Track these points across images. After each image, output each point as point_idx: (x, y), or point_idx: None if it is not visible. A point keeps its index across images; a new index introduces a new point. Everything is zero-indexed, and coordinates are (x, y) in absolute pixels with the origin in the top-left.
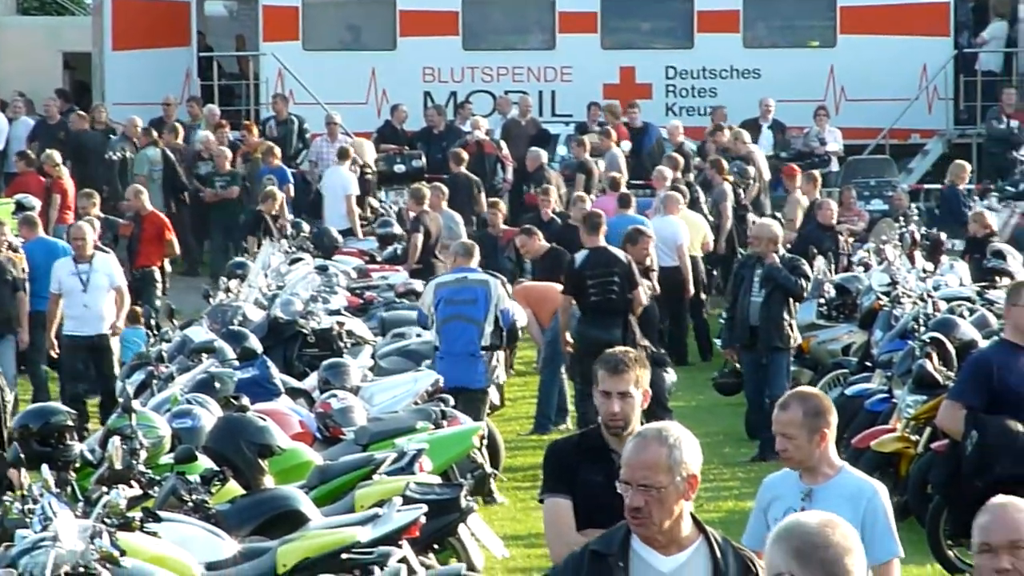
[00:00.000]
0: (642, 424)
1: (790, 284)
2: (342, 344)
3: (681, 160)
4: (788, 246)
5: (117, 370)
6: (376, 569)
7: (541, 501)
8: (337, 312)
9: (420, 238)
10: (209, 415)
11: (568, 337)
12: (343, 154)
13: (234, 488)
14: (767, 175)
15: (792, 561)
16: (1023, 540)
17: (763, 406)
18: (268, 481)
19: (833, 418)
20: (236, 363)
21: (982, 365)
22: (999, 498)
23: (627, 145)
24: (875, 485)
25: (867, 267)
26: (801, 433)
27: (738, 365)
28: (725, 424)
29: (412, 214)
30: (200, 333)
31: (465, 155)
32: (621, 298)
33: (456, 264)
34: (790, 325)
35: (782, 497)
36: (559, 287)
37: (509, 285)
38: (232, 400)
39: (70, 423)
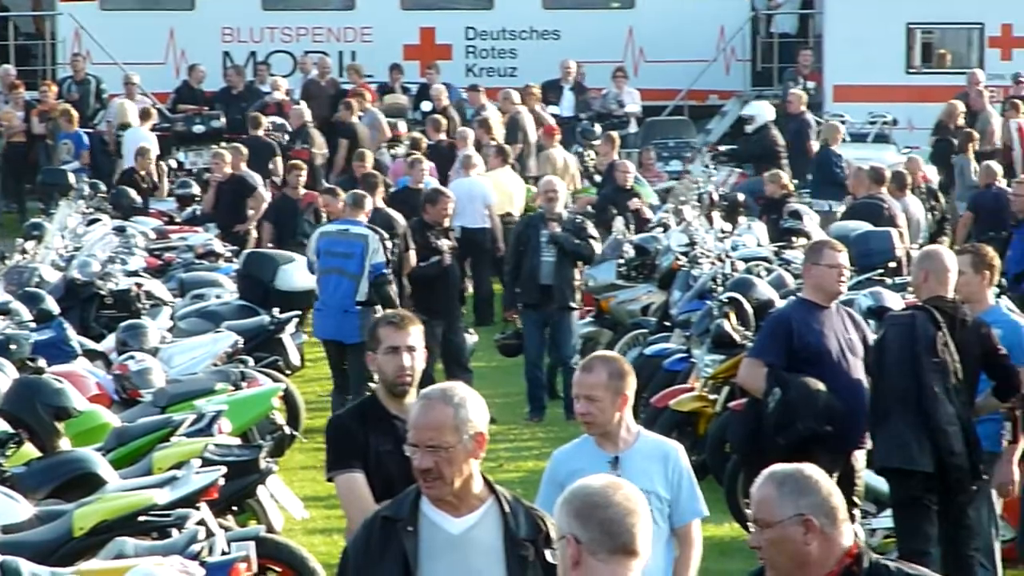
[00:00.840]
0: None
1: (579, 250)
2: (140, 306)
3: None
4: (589, 208)
5: None
6: (174, 531)
7: (330, 480)
8: (135, 273)
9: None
10: (4, 377)
11: None
12: (144, 115)
13: (30, 451)
14: (532, 136)
15: (574, 521)
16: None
17: (540, 367)
18: (65, 444)
19: (633, 381)
20: (32, 325)
21: (782, 323)
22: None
23: (427, 105)
24: (675, 446)
25: (666, 228)
26: (606, 396)
27: (520, 326)
28: (525, 385)
29: (213, 175)
30: None
31: (263, 119)
32: (397, 260)
33: (344, 214)
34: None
35: (584, 469)
36: None
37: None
38: (28, 362)
39: None
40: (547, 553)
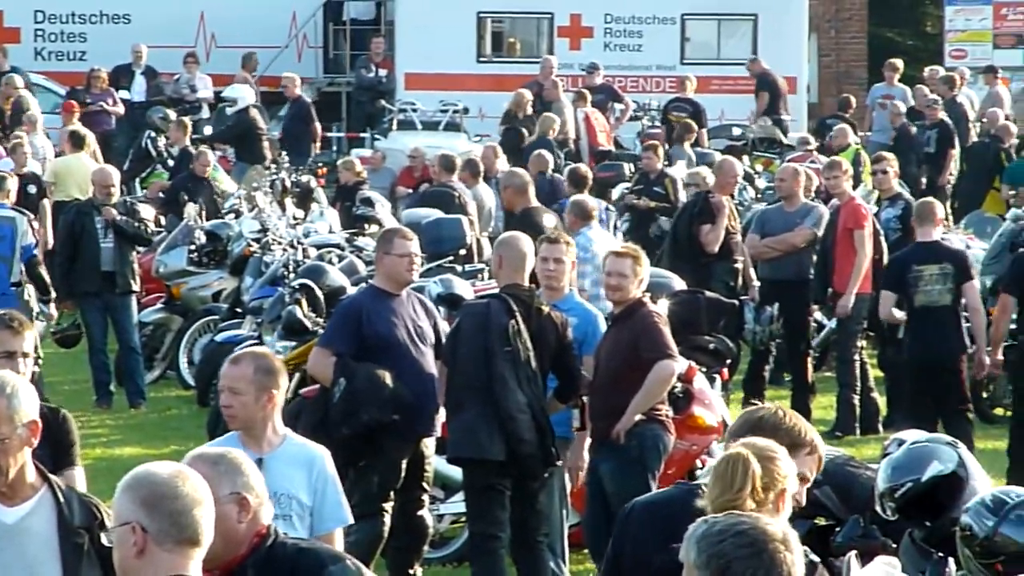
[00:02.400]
0: None
1: (140, 234)
2: None
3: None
4: (161, 194)
5: None
6: None
7: None
8: None
9: None
10: None
11: None
12: None
13: None
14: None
15: (140, 510)
16: None
17: (105, 353)
18: None
19: (283, 382)
20: None
21: (351, 312)
22: None
23: None
24: (321, 452)
25: (238, 214)
26: (250, 390)
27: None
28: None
29: None
30: None
31: None
32: None
33: None
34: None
35: None
36: None
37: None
38: None
39: None
40: (103, 537)
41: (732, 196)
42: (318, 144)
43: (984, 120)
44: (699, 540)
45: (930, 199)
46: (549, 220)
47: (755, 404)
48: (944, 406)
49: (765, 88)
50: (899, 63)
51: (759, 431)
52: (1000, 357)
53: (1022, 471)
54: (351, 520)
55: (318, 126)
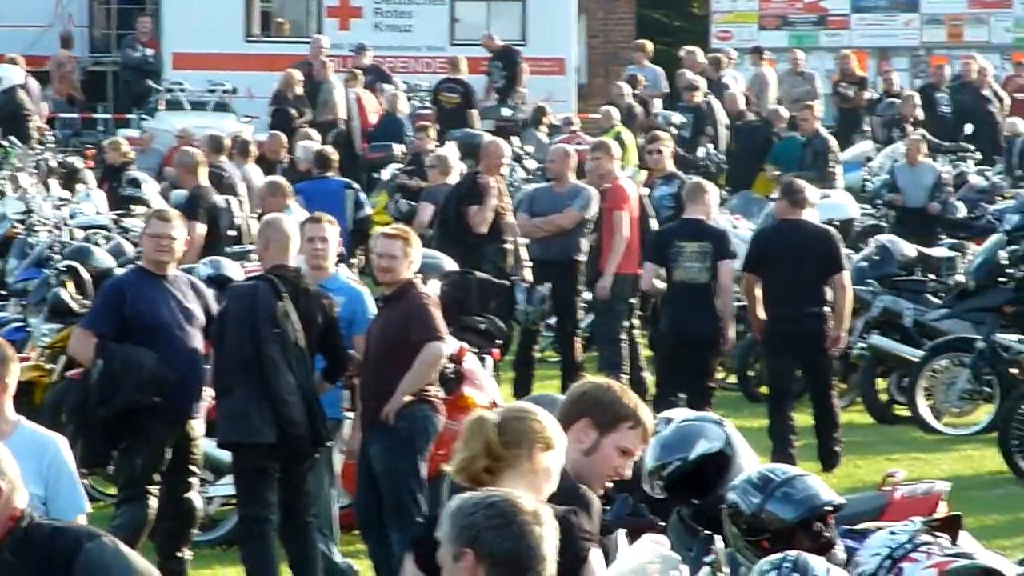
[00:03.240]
0: None
1: None
2: None
3: None
4: None
5: None
6: None
7: None
8: None
9: None
10: None
11: None
12: None
13: None
14: None
15: None
16: None
17: None
18: None
19: (14, 368)
20: None
21: (114, 293)
22: None
23: None
24: (56, 438)
25: (2, 195)
26: None
27: None
28: None
29: None
30: None
31: None
32: None
33: None
34: None
35: None
36: None
37: None
38: None
39: None
40: None
41: (502, 176)
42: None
43: (753, 103)
44: (452, 515)
45: (700, 180)
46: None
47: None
48: (693, 379)
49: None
50: (648, 44)
51: (580, 403)
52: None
53: (783, 448)
54: (88, 508)
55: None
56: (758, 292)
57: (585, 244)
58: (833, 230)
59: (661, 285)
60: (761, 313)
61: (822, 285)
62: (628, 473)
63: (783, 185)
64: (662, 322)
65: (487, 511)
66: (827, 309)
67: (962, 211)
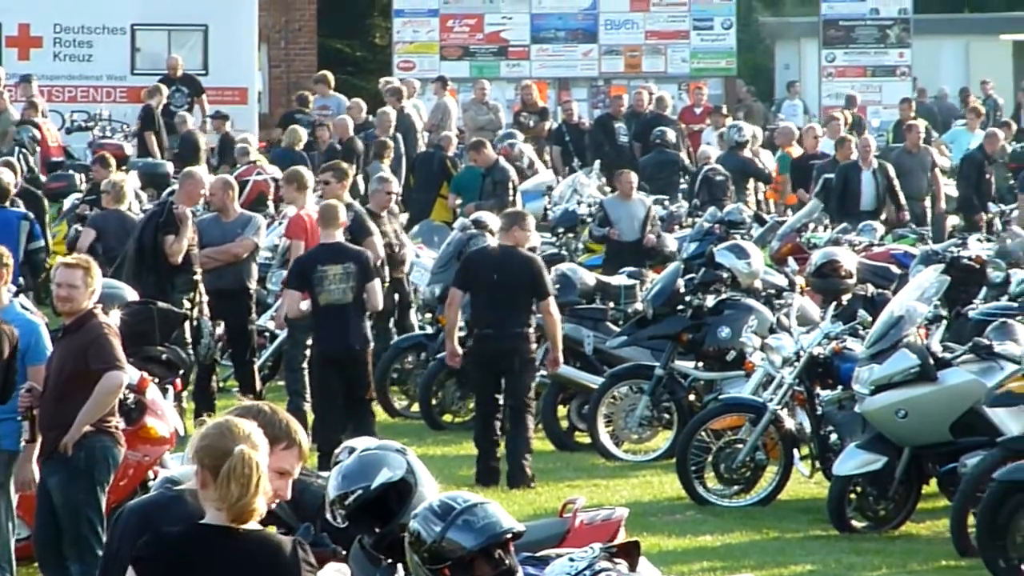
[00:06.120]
0: None
1: None
2: None
3: None
4: None
5: None
6: None
7: None
8: None
9: None
10: None
11: None
12: None
13: None
14: None
15: None
16: None
17: None
18: None
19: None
20: None
21: None
22: None
23: None
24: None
25: None
26: None
27: None
28: None
29: None
30: None
31: None
32: None
33: None
34: None
35: None
36: None
37: None
38: None
39: None
40: None
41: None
42: None
43: (430, 131)
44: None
45: (332, 202)
46: None
47: (205, 417)
48: (350, 396)
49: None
50: (330, 75)
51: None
52: (460, 349)
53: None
54: None
55: None
56: (458, 314)
57: (256, 272)
58: (538, 257)
59: (306, 306)
60: (456, 334)
61: (526, 309)
62: (288, 495)
63: (505, 213)
64: (312, 345)
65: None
66: (530, 331)
67: (672, 245)
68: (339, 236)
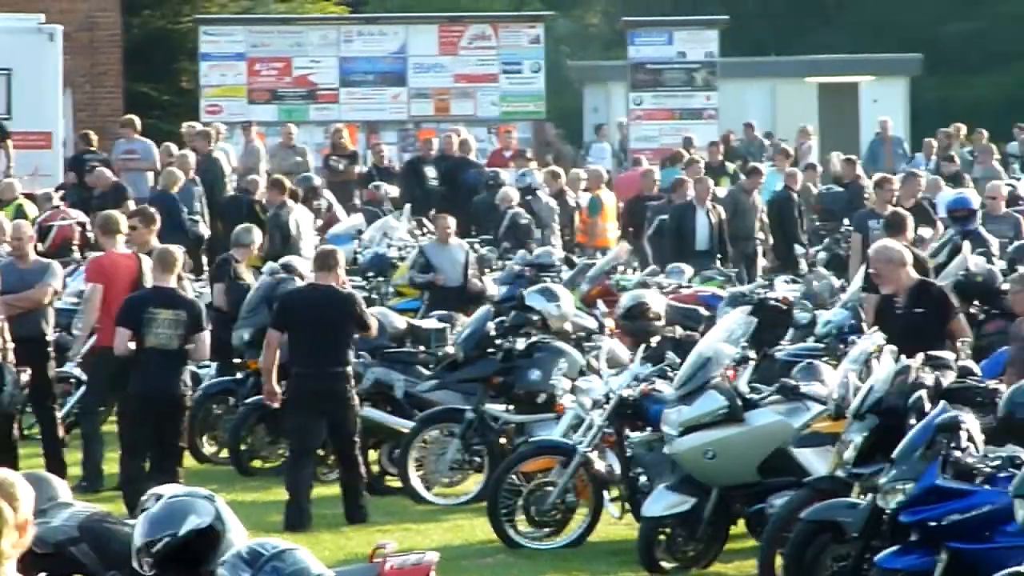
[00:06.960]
0: None
1: None
2: None
3: None
4: None
5: None
6: None
7: None
8: None
9: None
10: None
11: None
12: None
13: None
14: None
15: None
16: None
17: None
18: None
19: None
20: None
21: None
22: None
23: None
24: None
25: None
26: None
27: None
28: None
29: None
30: None
31: None
32: None
33: None
34: None
35: None
36: None
37: None
38: None
39: None
40: None
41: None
42: None
43: (237, 174)
44: None
45: (170, 248)
46: None
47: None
48: (161, 441)
49: None
50: (136, 119)
51: None
52: (277, 388)
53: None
54: None
55: None
56: (276, 354)
57: (52, 318)
58: (357, 294)
59: (132, 345)
60: (274, 375)
61: (346, 348)
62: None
63: (319, 253)
64: (131, 385)
65: None
66: (349, 370)
67: (493, 288)
68: (173, 282)
